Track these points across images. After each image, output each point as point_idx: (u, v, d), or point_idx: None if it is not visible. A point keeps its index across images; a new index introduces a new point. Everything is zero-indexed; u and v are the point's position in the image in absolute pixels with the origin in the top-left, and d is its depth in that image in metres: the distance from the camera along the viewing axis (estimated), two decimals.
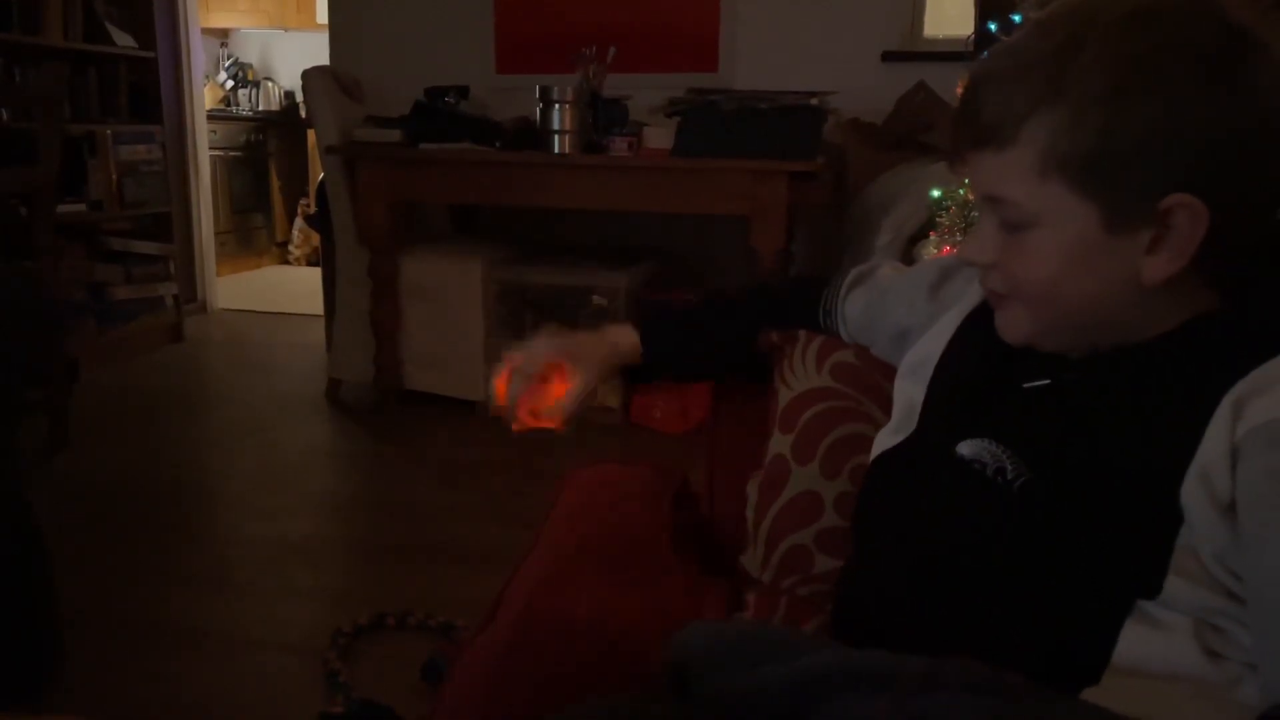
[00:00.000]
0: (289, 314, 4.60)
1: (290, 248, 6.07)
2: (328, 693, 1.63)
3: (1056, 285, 0.69)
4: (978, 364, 0.80)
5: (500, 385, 1.00)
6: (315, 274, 4.52)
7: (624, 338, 1.06)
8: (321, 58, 3.63)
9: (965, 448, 0.74)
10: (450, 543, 2.23)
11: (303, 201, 5.96)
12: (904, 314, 0.94)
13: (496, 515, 2.37)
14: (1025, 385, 0.75)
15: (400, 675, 1.67)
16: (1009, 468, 0.71)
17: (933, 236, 1.65)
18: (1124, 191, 0.65)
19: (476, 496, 2.51)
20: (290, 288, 5.21)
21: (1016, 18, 1.46)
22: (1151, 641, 0.64)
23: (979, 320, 0.82)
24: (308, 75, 3.04)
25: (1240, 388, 0.64)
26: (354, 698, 1.58)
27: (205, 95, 4.62)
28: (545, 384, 1.00)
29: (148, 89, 3.96)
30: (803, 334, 1.01)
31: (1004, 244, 0.71)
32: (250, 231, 5.82)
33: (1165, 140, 0.63)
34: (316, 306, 3.96)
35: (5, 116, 3.24)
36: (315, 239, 5.57)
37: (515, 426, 1.00)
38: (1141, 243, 0.66)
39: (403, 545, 2.24)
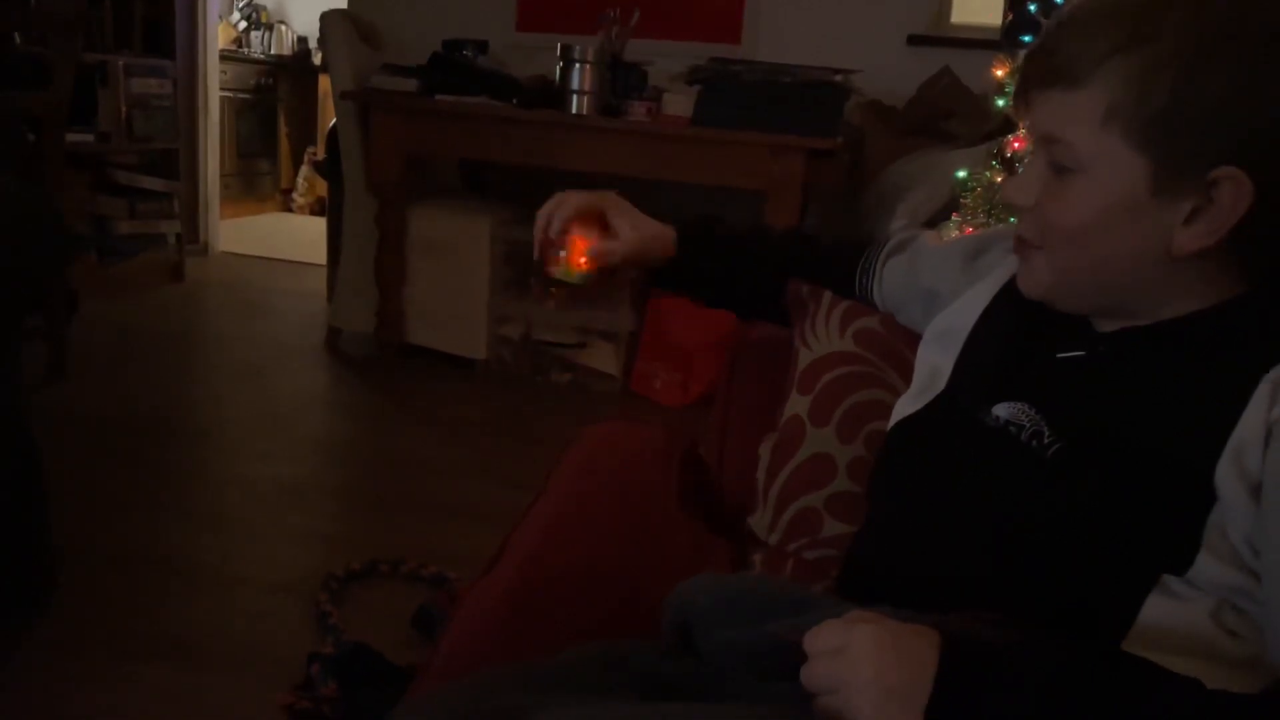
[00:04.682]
0: (291, 261, 4.57)
1: (294, 196, 6.02)
2: (318, 634, 1.63)
3: (1087, 235, 0.69)
4: (1011, 334, 0.80)
5: (541, 224, 1.00)
6: (318, 223, 4.50)
7: (664, 233, 1.05)
8: (335, 3, 3.58)
9: (1002, 409, 0.74)
10: (444, 497, 2.22)
11: (309, 150, 5.90)
12: (935, 278, 0.93)
13: (491, 474, 2.36)
14: (1059, 355, 0.75)
15: (391, 622, 1.67)
16: (1046, 432, 0.70)
17: (955, 217, 1.64)
18: (1179, 154, 0.65)
19: (472, 454, 2.51)
20: (293, 235, 5.18)
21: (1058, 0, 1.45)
22: (1172, 615, 0.64)
23: (1014, 292, 0.81)
24: (326, 18, 3.00)
25: (1278, 370, 0.64)
26: (344, 640, 1.58)
27: (218, 34, 4.56)
28: (582, 230, 0.99)
29: (162, 23, 3.91)
30: (828, 295, 1.01)
31: (1047, 186, 0.70)
32: (255, 177, 5.77)
33: (1234, 110, 0.63)
34: (318, 256, 3.93)
35: (18, 40, 3.19)
36: (319, 188, 5.52)
37: (547, 269, 1.00)
38: (1181, 211, 0.66)
39: (396, 496, 2.24)
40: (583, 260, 0.97)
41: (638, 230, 1.02)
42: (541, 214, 1.02)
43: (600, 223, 1.01)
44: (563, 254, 0.97)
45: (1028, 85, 0.71)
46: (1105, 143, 0.66)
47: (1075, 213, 0.69)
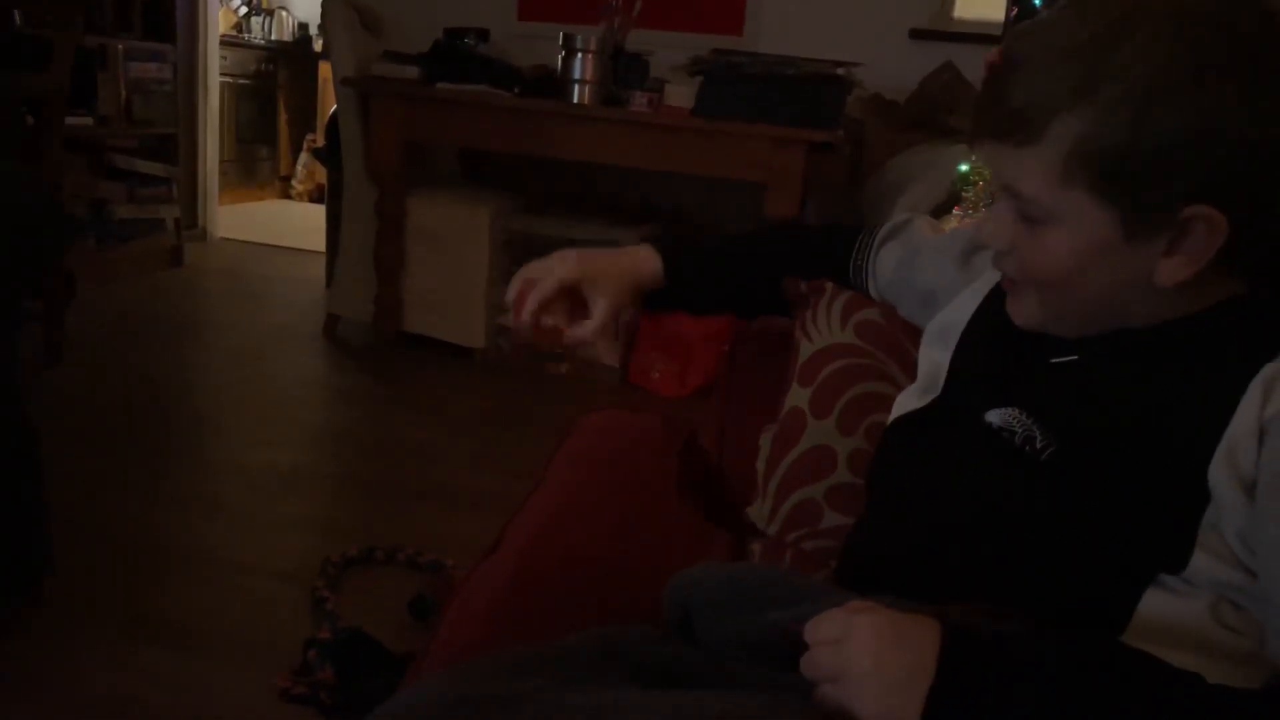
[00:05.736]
0: (289, 248, 4.57)
1: (293, 183, 6.01)
2: (315, 620, 1.63)
3: (1069, 280, 0.69)
4: (1004, 334, 0.80)
5: (518, 304, 0.97)
6: (317, 210, 4.48)
7: (646, 261, 1.01)
8: None
9: (994, 415, 0.74)
10: (441, 485, 2.23)
11: (309, 137, 5.89)
12: (933, 277, 0.93)
13: (488, 463, 2.37)
14: (1053, 360, 0.75)
15: (387, 608, 1.67)
16: (1038, 437, 0.70)
17: (957, 211, 1.64)
18: (1145, 198, 0.64)
19: (469, 443, 2.51)
20: (291, 222, 5.17)
21: None
22: (1170, 611, 0.64)
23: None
24: (328, 4, 2.99)
25: (1271, 368, 0.64)
26: (341, 626, 1.58)
27: (219, 19, 4.55)
28: (561, 308, 0.97)
29: (162, 7, 3.89)
30: (829, 287, 1.01)
31: (1020, 232, 0.70)
32: (254, 163, 5.76)
33: (1193, 148, 0.62)
34: (317, 243, 3.93)
35: (18, 21, 3.17)
36: (318, 175, 5.51)
37: (534, 341, 0.98)
38: (1158, 247, 0.66)
39: (393, 483, 2.24)
40: (555, 344, 0.96)
41: (613, 293, 0.97)
42: (512, 291, 0.98)
43: (574, 295, 0.98)
44: (551, 341, 0.96)
45: (981, 134, 0.70)
46: (1069, 196, 0.66)
47: (1052, 262, 0.69)
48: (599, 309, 0.97)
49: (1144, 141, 0.62)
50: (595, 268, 0.98)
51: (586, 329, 0.97)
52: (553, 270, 0.97)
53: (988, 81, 0.69)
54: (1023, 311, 0.75)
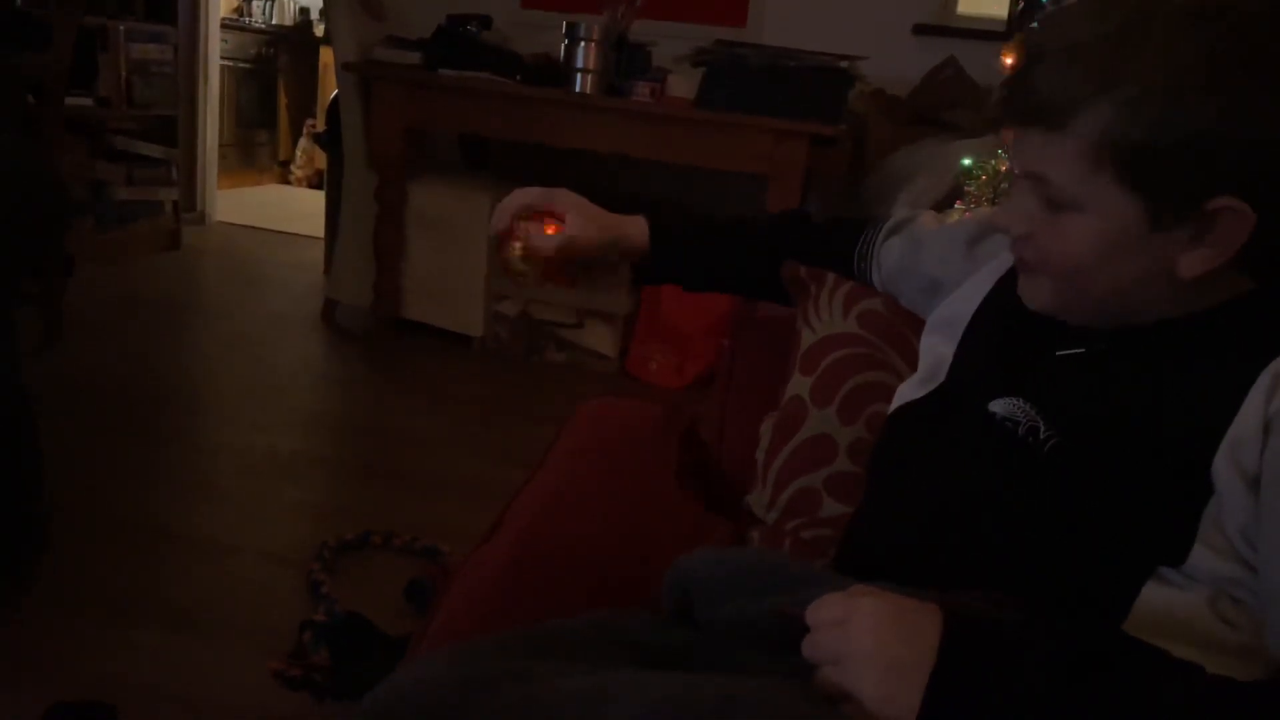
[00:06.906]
0: (288, 233, 4.55)
1: (292, 168, 5.99)
2: (311, 603, 1.64)
3: (1088, 269, 0.69)
4: (1011, 325, 0.80)
5: (500, 214, 1.01)
6: (316, 195, 4.46)
7: (635, 227, 1.04)
8: None
9: (998, 406, 0.74)
10: (437, 472, 2.23)
11: (309, 122, 5.86)
12: (937, 266, 0.94)
13: (485, 450, 2.37)
14: (1059, 353, 0.75)
15: (383, 593, 1.68)
16: (1042, 428, 0.71)
17: (959, 205, 1.64)
18: (1171, 189, 0.64)
19: (466, 431, 2.51)
20: (291, 207, 5.15)
21: None
22: (1169, 604, 0.64)
23: (1012, 285, 0.82)
24: None
25: (1277, 364, 0.64)
26: (337, 610, 1.58)
27: (220, 2, 4.53)
28: (539, 223, 1.01)
29: None
30: (831, 276, 1.01)
31: (1041, 219, 0.70)
32: (253, 147, 5.73)
33: (1218, 141, 0.62)
34: (316, 228, 3.91)
35: (19, 0, 3.15)
36: (318, 160, 5.49)
37: (503, 254, 1.02)
38: (1181, 238, 0.66)
39: (390, 470, 2.24)
40: (517, 248, 1.00)
41: (588, 225, 1.00)
42: (498, 207, 1.03)
43: (554, 218, 1.01)
44: (515, 245, 1.00)
45: (1008, 119, 0.71)
46: (1095, 184, 0.66)
47: (1073, 249, 0.69)
48: (570, 228, 1.00)
49: (1167, 137, 0.63)
50: (574, 199, 1.01)
51: (548, 241, 1.00)
52: (536, 190, 1.02)
53: (1015, 67, 0.70)
54: (1034, 294, 0.75)
